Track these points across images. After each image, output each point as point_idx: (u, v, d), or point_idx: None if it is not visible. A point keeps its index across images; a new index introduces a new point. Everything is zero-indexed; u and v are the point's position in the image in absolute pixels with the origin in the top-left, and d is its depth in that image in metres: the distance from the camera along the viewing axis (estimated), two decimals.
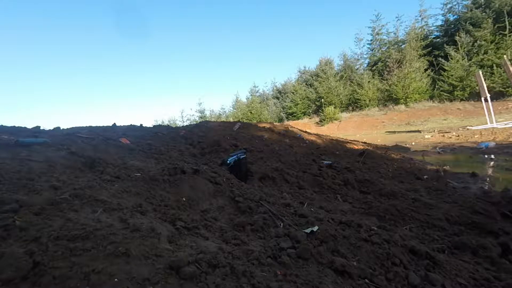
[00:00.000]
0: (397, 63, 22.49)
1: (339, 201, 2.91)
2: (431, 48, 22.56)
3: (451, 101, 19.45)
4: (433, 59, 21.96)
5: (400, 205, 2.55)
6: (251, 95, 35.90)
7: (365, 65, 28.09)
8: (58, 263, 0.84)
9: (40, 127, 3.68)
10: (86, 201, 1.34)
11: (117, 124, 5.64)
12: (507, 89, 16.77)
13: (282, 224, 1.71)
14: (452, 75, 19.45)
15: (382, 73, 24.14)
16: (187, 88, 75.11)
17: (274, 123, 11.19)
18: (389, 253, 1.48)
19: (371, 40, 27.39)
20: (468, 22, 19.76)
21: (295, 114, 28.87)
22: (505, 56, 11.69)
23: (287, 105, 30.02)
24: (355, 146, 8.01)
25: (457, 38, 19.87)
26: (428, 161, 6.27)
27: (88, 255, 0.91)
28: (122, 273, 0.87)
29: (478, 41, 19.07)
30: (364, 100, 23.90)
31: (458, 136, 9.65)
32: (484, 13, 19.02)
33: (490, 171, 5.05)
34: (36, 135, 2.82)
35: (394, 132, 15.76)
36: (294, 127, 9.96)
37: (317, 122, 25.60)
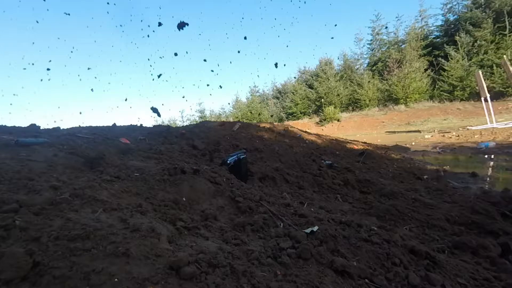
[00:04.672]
0: (397, 63, 22.49)
1: (339, 201, 2.91)
2: (431, 48, 22.57)
3: (451, 101, 19.45)
4: (433, 59, 21.96)
5: (400, 205, 2.55)
6: (251, 95, 35.92)
7: (365, 65, 28.12)
8: (58, 263, 0.84)
9: (39, 127, 3.68)
10: (86, 201, 1.34)
11: (117, 124, 5.63)
12: (507, 89, 16.78)
13: (282, 224, 1.71)
14: (452, 75, 19.46)
15: (382, 73, 24.14)
16: (187, 88, 75.03)
17: (274, 123, 11.19)
18: (389, 253, 1.48)
19: (371, 40, 27.43)
20: (468, 22, 19.76)
21: (295, 114, 28.87)
22: (505, 56, 11.70)
23: (287, 105, 30.03)
24: (355, 146, 8.01)
25: (457, 38, 19.87)
26: (428, 161, 6.27)
27: (88, 255, 0.91)
28: (122, 273, 0.87)
29: (478, 41, 19.08)
30: (364, 100, 23.90)
31: (458, 136, 9.65)
32: (484, 13, 19.03)
33: (490, 171, 5.05)
34: (36, 135, 2.82)
35: (394, 132, 15.76)
36: (294, 127, 9.96)
37: (317, 122, 25.60)
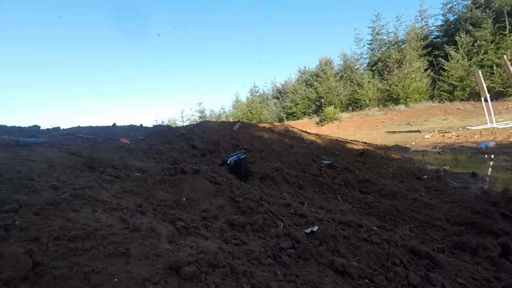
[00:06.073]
0: (397, 63, 22.47)
1: (339, 201, 2.91)
2: (431, 48, 22.56)
3: (451, 101, 19.44)
4: (433, 59, 21.96)
5: (400, 205, 2.55)
6: (251, 95, 35.90)
7: (365, 65, 28.10)
8: (58, 263, 0.84)
9: (39, 127, 3.68)
10: (86, 201, 1.34)
11: (117, 124, 5.63)
12: (507, 89, 16.77)
13: (282, 224, 1.71)
14: (452, 75, 19.45)
15: (382, 73, 24.14)
16: (187, 88, 74.97)
17: (274, 123, 11.19)
18: (389, 253, 1.47)
19: (371, 40, 27.41)
20: (468, 22, 19.76)
21: (295, 114, 28.86)
22: (505, 56, 11.69)
23: (287, 105, 30.02)
24: (355, 146, 8.01)
25: (457, 38, 19.86)
26: (428, 161, 6.27)
27: (88, 255, 0.91)
28: (122, 273, 0.87)
29: (478, 41, 19.07)
30: (364, 100, 23.89)
31: (458, 136, 9.65)
32: (484, 13, 19.01)
33: (490, 171, 5.05)
34: (36, 135, 2.82)
35: (394, 132, 15.76)
36: (294, 127, 9.96)
37: (317, 122, 25.59)
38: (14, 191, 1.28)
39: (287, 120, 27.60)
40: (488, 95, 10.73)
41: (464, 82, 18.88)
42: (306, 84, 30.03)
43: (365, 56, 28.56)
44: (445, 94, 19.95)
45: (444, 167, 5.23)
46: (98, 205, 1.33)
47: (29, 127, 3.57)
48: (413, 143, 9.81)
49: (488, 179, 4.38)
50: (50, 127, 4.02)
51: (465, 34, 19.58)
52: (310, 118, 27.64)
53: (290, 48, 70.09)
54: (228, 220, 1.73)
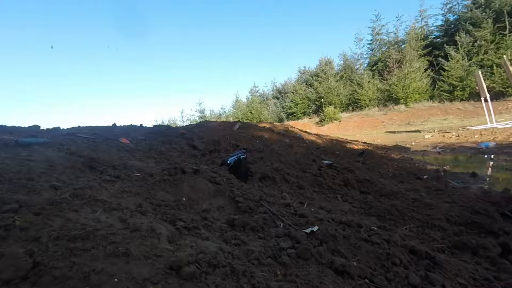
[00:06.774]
0: (397, 63, 22.47)
1: (339, 201, 2.91)
2: (431, 48, 22.54)
3: (451, 101, 19.43)
4: (433, 59, 21.94)
5: (400, 205, 2.55)
6: (251, 95, 35.90)
7: (365, 65, 28.08)
8: (58, 263, 0.84)
9: (39, 127, 3.68)
10: (86, 201, 1.34)
11: (117, 124, 5.64)
12: (507, 89, 16.76)
13: (282, 224, 1.71)
14: (452, 75, 19.44)
15: (382, 73, 24.12)
16: (187, 88, 75.10)
17: (274, 123, 11.19)
18: (389, 253, 1.47)
19: (371, 40, 27.39)
20: (468, 22, 19.75)
21: (295, 114, 28.85)
22: (505, 56, 11.71)
23: (287, 105, 30.01)
24: (355, 146, 8.01)
25: (457, 38, 19.85)
26: (428, 161, 6.27)
27: (88, 255, 0.91)
28: (122, 273, 0.87)
29: (478, 41, 19.06)
30: (364, 100, 23.88)
31: (458, 136, 9.65)
32: (484, 13, 19.00)
33: (490, 171, 5.05)
34: (36, 135, 2.82)
35: (394, 132, 15.76)
36: (294, 127, 9.96)
37: (317, 122, 25.59)
38: (14, 191, 1.28)
39: (287, 120, 27.59)
40: (488, 95, 10.73)
41: (464, 82, 18.86)
42: (306, 84, 30.00)
43: (365, 56, 28.58)
44: (445, 94, 19.94)
45: (444, 167, 5.23)
46: (98, 205, 1.33)
47: (29, 127, 3.57)
48: (413, 143, 9.81)
49: (488, 179, 4.38)
50: (50, 127, 4.02)
51: (465, 34, 19.57)
52: (310, 118, 27.63)
53: (290, 48, 70.23)
54: (228, 220, 1.73)
